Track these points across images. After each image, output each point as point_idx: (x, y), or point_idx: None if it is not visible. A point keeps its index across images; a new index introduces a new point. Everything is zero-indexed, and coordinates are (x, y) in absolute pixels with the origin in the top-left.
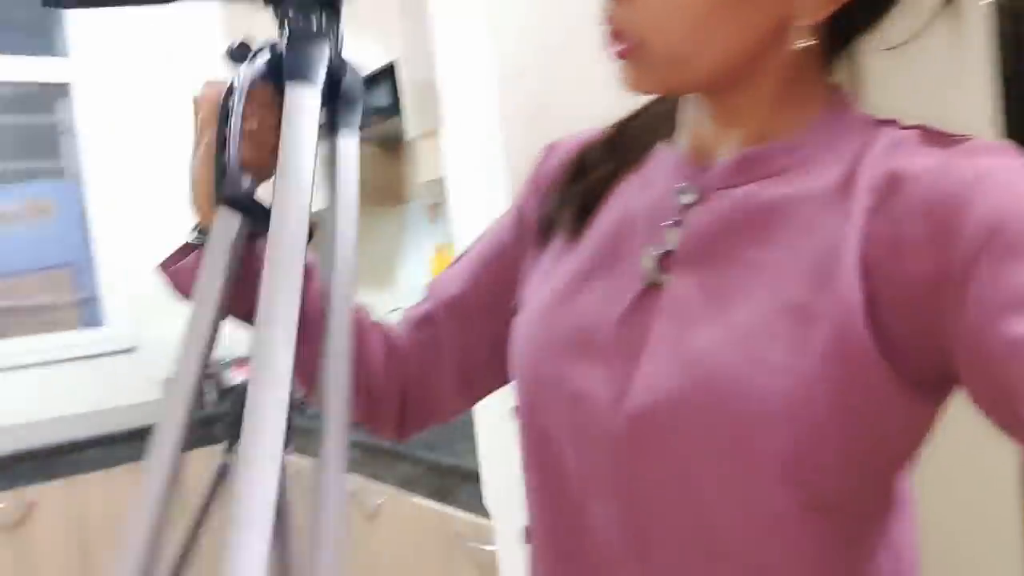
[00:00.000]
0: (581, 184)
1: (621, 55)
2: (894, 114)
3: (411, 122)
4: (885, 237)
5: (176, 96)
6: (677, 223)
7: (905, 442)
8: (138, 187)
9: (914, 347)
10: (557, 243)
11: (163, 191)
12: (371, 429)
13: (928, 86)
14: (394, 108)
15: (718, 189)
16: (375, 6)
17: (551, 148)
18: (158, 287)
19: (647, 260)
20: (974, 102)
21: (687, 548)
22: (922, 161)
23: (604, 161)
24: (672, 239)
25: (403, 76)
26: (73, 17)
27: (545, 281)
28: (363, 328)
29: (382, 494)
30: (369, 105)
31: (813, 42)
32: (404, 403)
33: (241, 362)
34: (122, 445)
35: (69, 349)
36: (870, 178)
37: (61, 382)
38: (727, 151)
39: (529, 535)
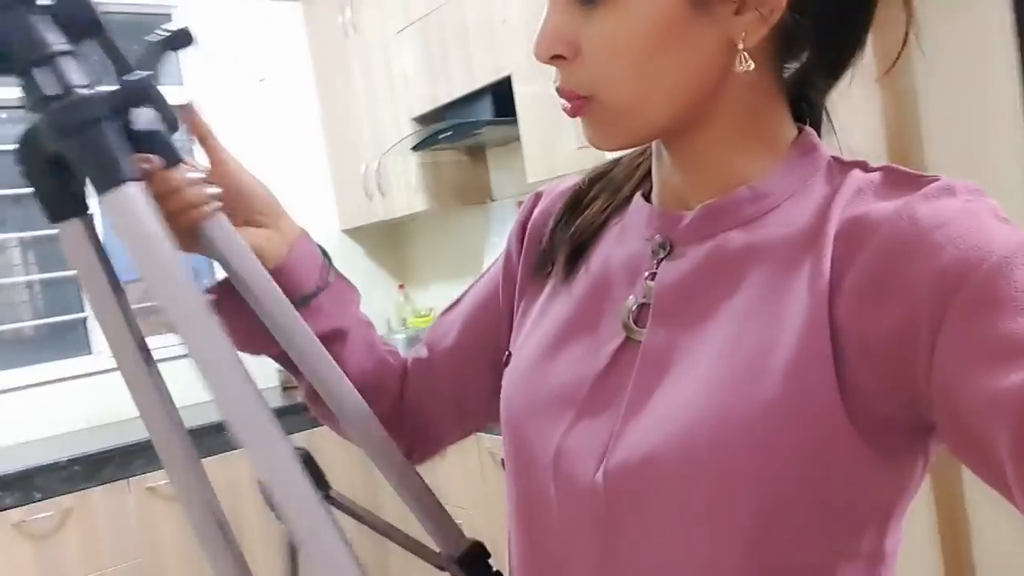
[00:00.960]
0: (573, 225)
1: (574, 113)
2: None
3: (527, 129)
4: (851, 289)
5: (278, 111)
6: (651, 276)
7: (878, 500)
8: None
9: (881, 404)
10: (546, 288)
11: None
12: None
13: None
14: (496, 119)
15: (688, 241)
16: (492, 23)
17: (538, 195)
18: None
19: (624, 314)
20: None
21: None
22: (884, 207)
23: (596, 198)
24: (647, 292)
25: (520, 89)
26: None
27: (532, 332)
28: (377, 367)
29: None
30: (473, 117)
31: (753, 68)
32: (413, 436)
33: None
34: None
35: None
36: (837, 225)
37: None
38: (695, 199)
39: None
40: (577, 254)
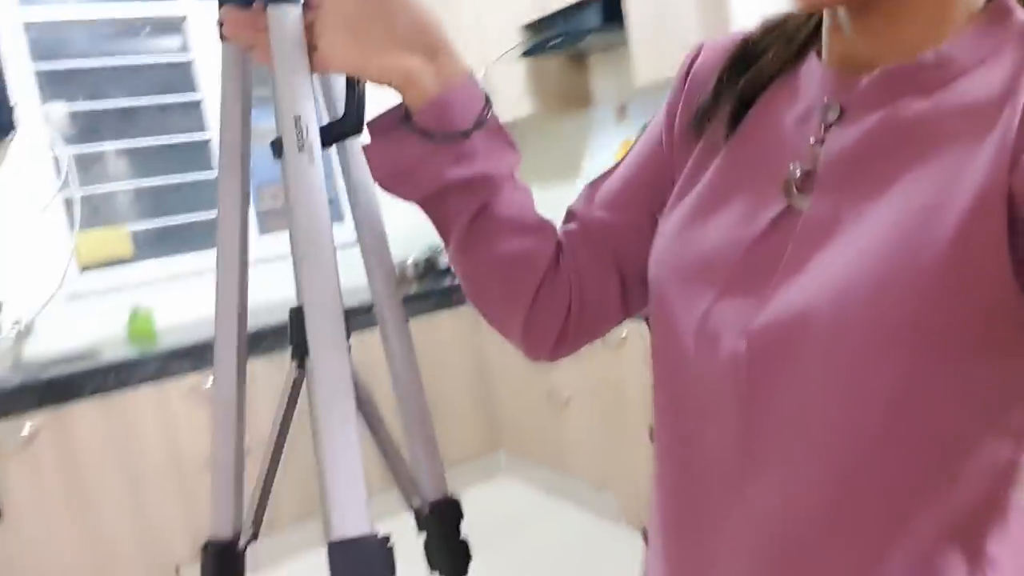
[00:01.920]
0: (741, 79)
1: None
2: None
3: (635, 36)
4: None
5: None
6: (820, 142)
7: None
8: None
9: None
10: (703, 146)
11: None
12: (526, 343)
13: None
14: (603, 26)
15: (862, 107)
16: None
17: (704, 46)
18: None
19: (787, 181)
20: None
21: (788, 471)
22: None
23: (767, 51)
24: (814, 159)
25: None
26: None
27: (685, 193)
28: (533, 228)
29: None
30: (582, 23)
31: None
32: (568, 314)
33: None
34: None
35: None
36: None
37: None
38: (874, 63)
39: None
40: (741, 111)
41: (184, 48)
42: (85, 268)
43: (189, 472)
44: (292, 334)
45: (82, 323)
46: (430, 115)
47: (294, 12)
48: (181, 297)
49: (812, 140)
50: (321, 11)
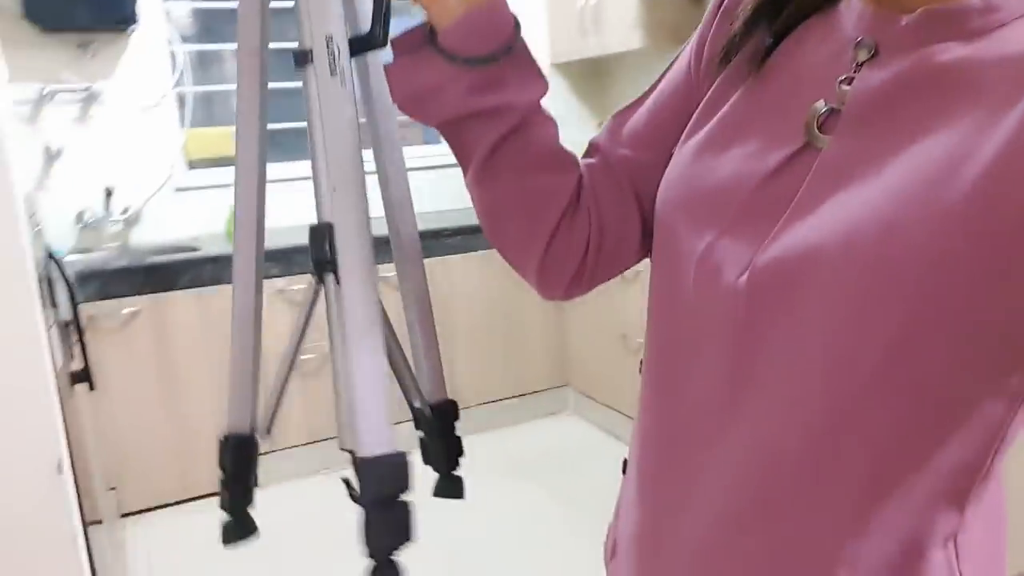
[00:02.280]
0: (779, 12)
1: None
2: None
3: None
4: None
5: None
6: (848, 80)
7: None
8: None
9: None
10: (728, 76)
11: None
12: (540, 280)
13: None
14: None
15: (898, 47)
16: None
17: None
18: None
19: (809, 118)
20: None
21: (775, 412)
22: None
23: None
24: (840, 97)
25: None
26: None
27: (702, 122)
28: (556, 161)
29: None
30: None
31: None
32: (587, 250)
33: None
34: (461, 236)
35: (423, 159)
36: None
37: (418, 184)
38: (917, 6)
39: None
40: (773, 45)
41: None
42: (193, 164)
43: (269, 369)
44: (313, 250)
45: (186, 216)
46: (455, 35)
47: None
48: (280, 201)
49: (842, 78)
50: None
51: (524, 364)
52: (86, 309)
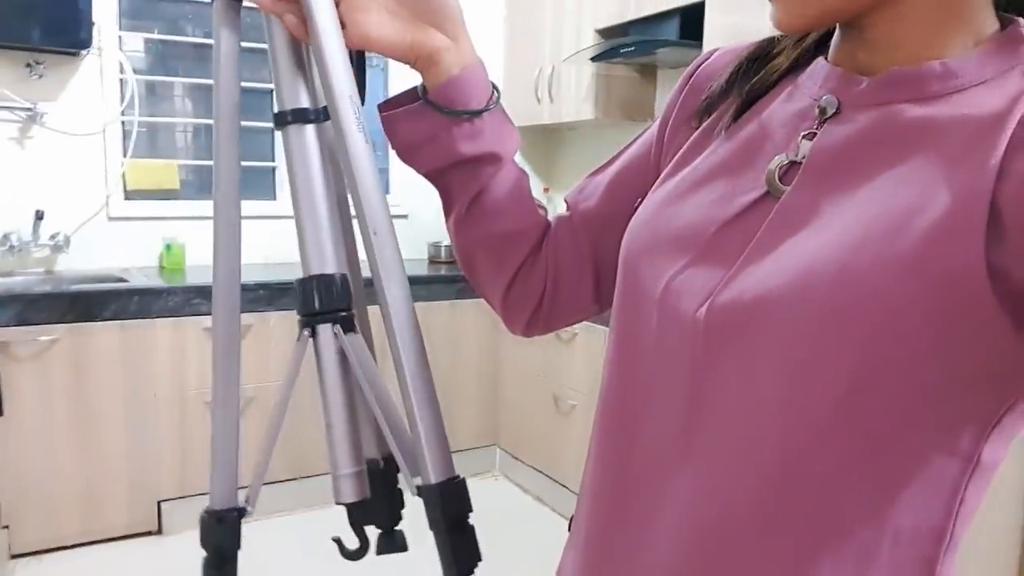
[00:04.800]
0: (754, 77)
1: None
2: None
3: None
4: (1017, 178)
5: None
6: (811, 135)
7: (992, 395)
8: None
9: None
10: (699, 135)
11: None
12: (504, 316)
13: None
14: (679, 40)
15: (860, 106)
16: None
17: (717, 51)
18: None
19: (771, 169)
20: None
21: (728, 459)
22: None
23: (782, 53)
24: (802, 150)
25: (712, 17)
26: None
27: (671, 176)
28: (524, 210)
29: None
30: (659, 36)
31: None
32: (543, 295)
33: None
34: None
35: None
36: (1021, 116)
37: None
38: (879, 71)
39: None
40: (745, 105)
41: None
42: (130, 194)
43: (189, 410)
44: (322, 301)
45: (118, 247)
46: (448, 93)
47: None
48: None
49: (805, 133)
50: None
51: (453, 421)
52: (1, 333)
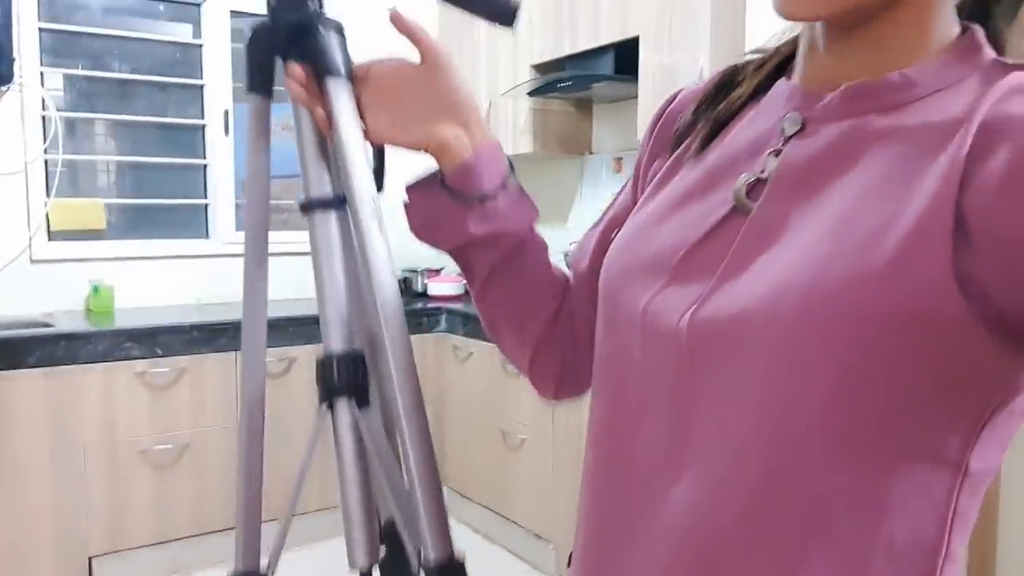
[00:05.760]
0: (718, 105)
1: None
2: None
3: (644, 90)
4: (984, 181)
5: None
6: (777, 152)
7: (973, 399)
8: None
9: (997, 299)
10: (670, 164)
11: None
12: (532, 382)
13: None
14: (614, 75)
15: (823, 121)
16: None
17: (681, 92)
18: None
19: (738, 185)
20: None
21: (716, 474)
22: None
23: (744, 80)
24: (768, 167)
25: (645, 54)
26: None
27: (645, 204)
28: (542, 280)
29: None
30: (594, 71)
31: None
32: (565, 360)
33: (433, 272)
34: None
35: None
36: (982, 118)
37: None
38: (843, 82)
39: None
40: (714, 133)
41: (196, 34)
42: (54, 235)
43: (120, 460)
44: (343, 377)
45: (42, 291)
46: (460, 177)
47: (348, 86)
48: (146, 280)
49: (771, 150)
50: (364, 88)
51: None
52: None
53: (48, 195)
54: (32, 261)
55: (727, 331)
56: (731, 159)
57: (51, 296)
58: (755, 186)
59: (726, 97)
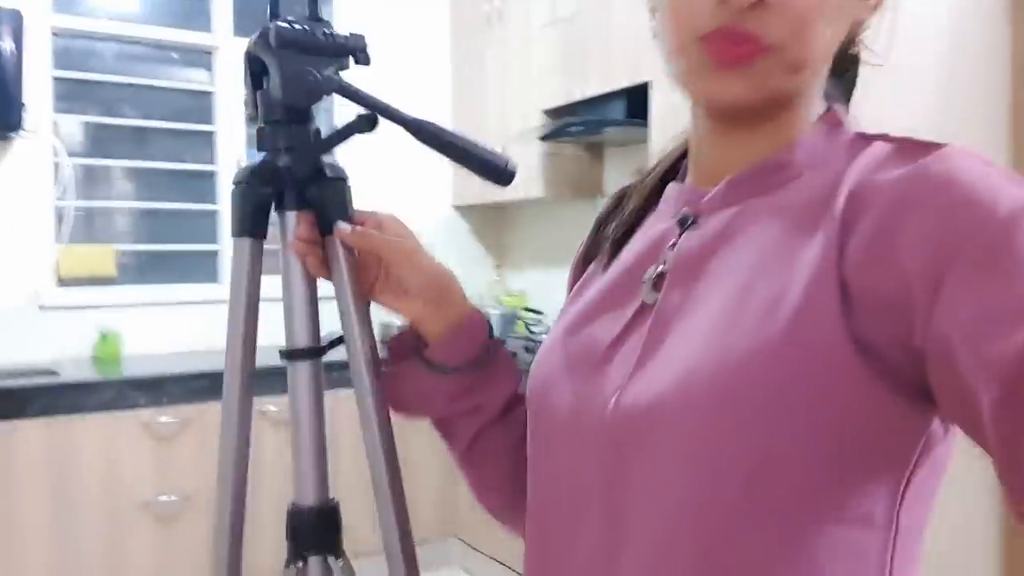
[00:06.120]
0: (614, 222)
1: (746, 57)
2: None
3: (655, 133)
4: (858, 246)
5: (412, 88)
6: (674, 245)
7: (889, 458)
8: (377, 163)
9: (890, 357)
10: (585, 278)
11: (400, 167)
12: (509, 525)
13: None
14: (626, 120)
15: (710, 212)
16: (637, 29)
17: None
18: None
19: (645, 281)
20: None
21: (651, 559)
22: (894, 171)
23: (633, 195)
24: (667, 260)
25: (657, 98)
26: (338, 19)
27: (562, 317)
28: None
29: None
30: (605, 116)
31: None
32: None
33: None
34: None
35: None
36: (850, 188)
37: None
38: (729, 173)
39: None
40: (618, 244)
41: (209, 80)
42: (63, 281)
43: (123, 512)
44: (293, 536)
45: (50, 337)
46: (436, 351)
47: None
48: (155, 326)
49: (670, 244)
50: (359, 258)
51: (411, 511)
52: None
53: (58, 241)
54: (40, 308)
55: (647, 417)
56: (638, 260)
57: (59, 343)
58: (659, 280)
59: (622, 211)
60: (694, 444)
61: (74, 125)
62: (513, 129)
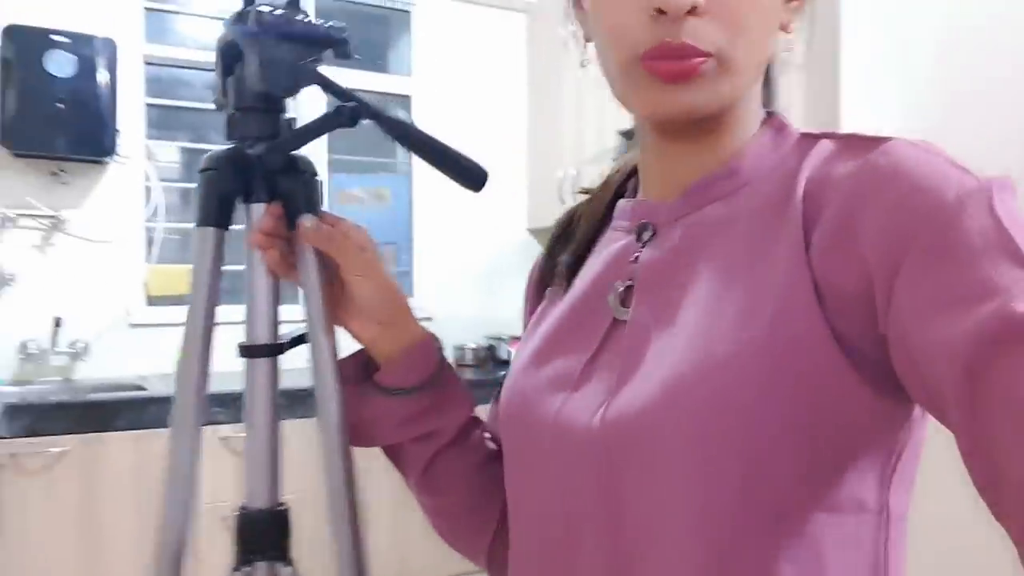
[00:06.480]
0: (567, 244)
1: (695, 71)
2: None
3: None
4: (820, 243)
5: (488, 110)
6: (636, 259)
7: (876, 445)
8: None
9: (865, 348)
10: (547, 301)
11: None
12: (466, 552)
13: None
14: None
15: (669, 222)
16: None
17: (536, 263)
18: (456, 271)
19: (611, 297)
20: None
21: (665, 560)
22: (845, 166)
23: (583, 216)
24: (632, 274)
25: None
26: (416, 42)
27: (527, 343)
28: (482, 479)
29: None
30: None
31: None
32: (497, 528)
33: (516, 340)
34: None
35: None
36: (804, 187)
37: None
38: (682, 183)
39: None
40: (574, 266)
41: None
42: (152, 300)
43: (203, 526)
44: (241, 538)
45: (138, 354)
46: (387, 374)
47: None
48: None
49: (632, 258)
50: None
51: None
52: (9, 446)
53: (148, 261)
54: (130, 325)
55: (636, 426)
56: (598, 279)
57: (147, 359)
58: (626, 295)
59: (571, 237)
60: (687, 449)
61: (166, 150)
62: (588, 150)
